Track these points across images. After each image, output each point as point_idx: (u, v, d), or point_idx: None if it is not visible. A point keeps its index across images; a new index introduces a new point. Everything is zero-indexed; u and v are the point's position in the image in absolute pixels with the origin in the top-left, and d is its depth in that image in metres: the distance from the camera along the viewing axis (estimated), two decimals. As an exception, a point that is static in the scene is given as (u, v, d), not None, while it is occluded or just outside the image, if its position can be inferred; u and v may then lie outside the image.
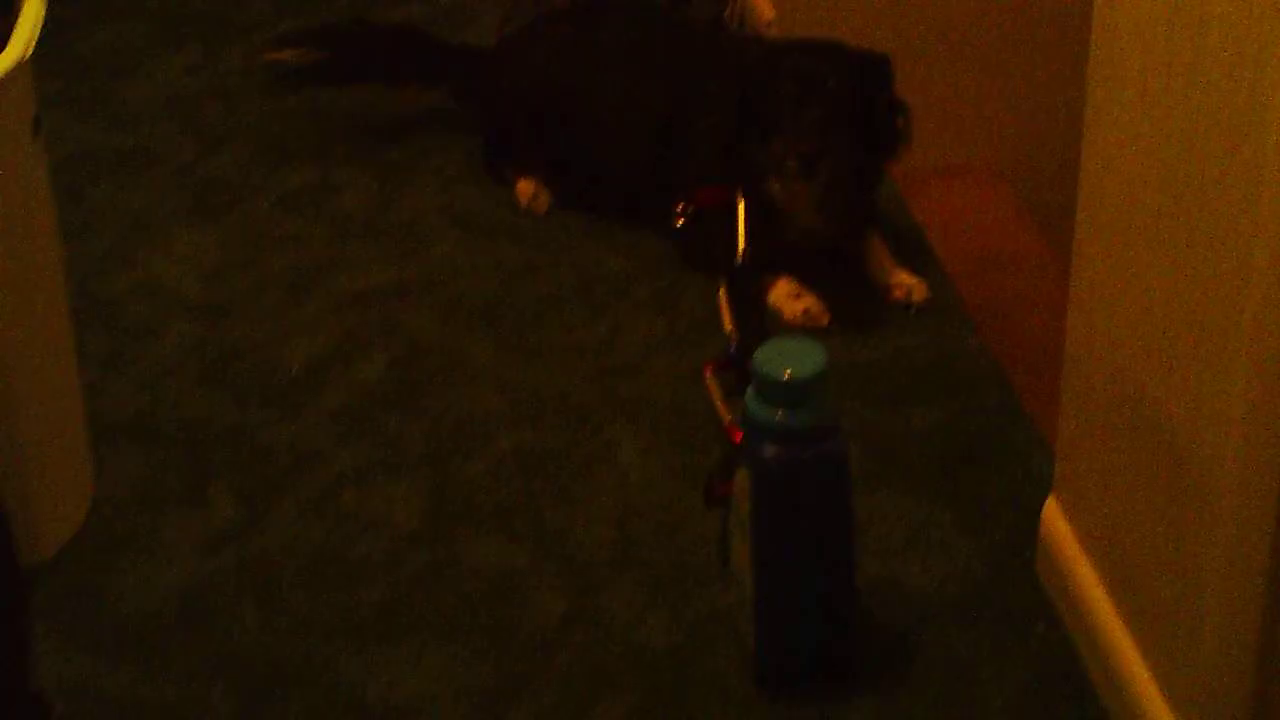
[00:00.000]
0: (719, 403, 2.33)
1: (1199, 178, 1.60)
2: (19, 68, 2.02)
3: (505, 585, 2.16)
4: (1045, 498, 2.18)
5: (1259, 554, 1.58)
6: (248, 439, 2.44)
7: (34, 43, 2.05)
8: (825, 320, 2.59)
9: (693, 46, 2.90)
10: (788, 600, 1.95)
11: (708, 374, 2.40)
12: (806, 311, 2.59)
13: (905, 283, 2.64)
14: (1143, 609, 1.86)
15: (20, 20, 2.06)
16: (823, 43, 2.64)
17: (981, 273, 2.82)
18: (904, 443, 2.36)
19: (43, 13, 2.08)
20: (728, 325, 2.46)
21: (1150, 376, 1.75)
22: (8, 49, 2.02)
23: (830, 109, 2.53)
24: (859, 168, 2.63)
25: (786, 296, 2.62)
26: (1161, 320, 1.72)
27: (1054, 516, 2.08)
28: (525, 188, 2.95)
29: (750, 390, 1.90)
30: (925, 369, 2.52)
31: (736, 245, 2.57)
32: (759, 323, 2.51)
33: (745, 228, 2.56)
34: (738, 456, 2.03)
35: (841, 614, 1.98)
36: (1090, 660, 1.97)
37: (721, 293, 2.52)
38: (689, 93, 2.77)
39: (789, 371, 1.85)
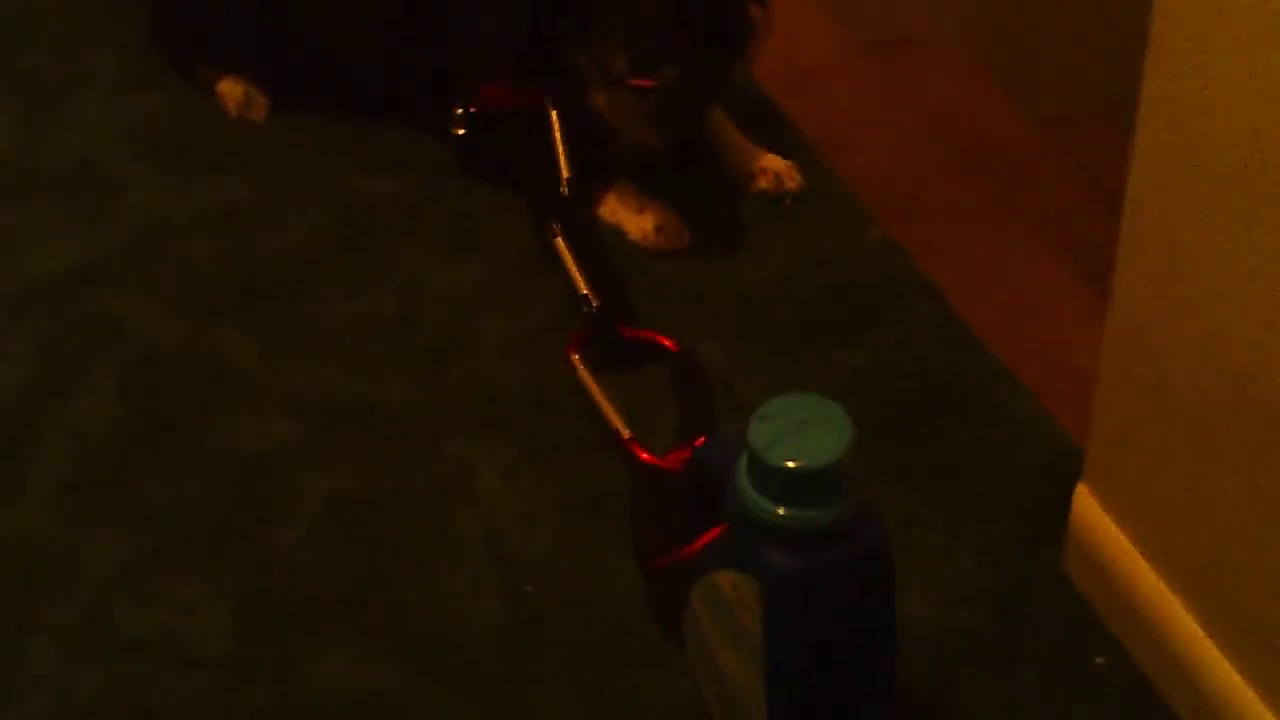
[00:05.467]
0: (605, 405, 1.77)
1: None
2: None
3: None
4: (1030, 452, 1.75)
5: None
6: (-41, 538, 1.76)
7: None
8: (685, 239, 2.01)
9: None
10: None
11: (574, 358, 1.83)
12: (660, 229, 2.01)
13: (771, 168, 2.07)
14: (1259, 639, 1.41)
15: None
16: None
17: (801, 91, 2.31)
18: (843, 399, 1.82)
19: None
20: (580, 284, 1.88)
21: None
22: None
23: None
24: (704, 70, 2.00)
25: (626, 211, 2.03)
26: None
27: (1093, 513, 1.60)
28: (230, 90, 2.24)
29: (744, 474, 1.34)
30: (834, 286, 1.98)
31: (547, 168, 1.96)
32: (609, 268, 1.92)
33: (563, 148, 1.96)
34: (685, 505, 1.51)
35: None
36: (1181, 702, 1.53)
37: (557, 239, 1.91)
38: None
39: (803, 461, 1.30)
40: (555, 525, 1.72)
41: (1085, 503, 1.62)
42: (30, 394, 1.89)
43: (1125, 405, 1.53)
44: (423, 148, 2.16)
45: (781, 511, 1.31)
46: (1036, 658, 1.58)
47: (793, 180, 2.07)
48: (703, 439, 1.70)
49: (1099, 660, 1.58)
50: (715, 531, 1.50)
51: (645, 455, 1.71)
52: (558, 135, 1.95)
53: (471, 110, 2.04)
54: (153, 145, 2.21)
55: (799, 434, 1.32)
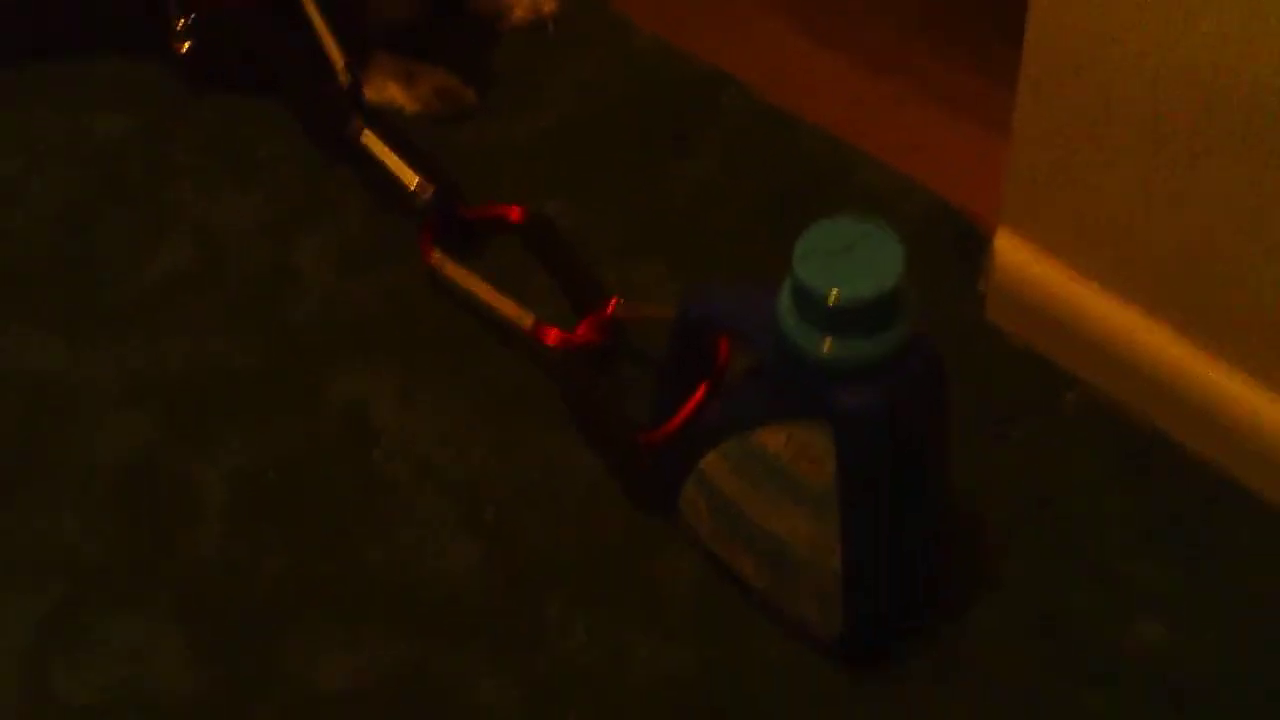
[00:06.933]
0: (494, 295, 1.63)
1: None
2: None
3: None
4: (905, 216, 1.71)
5: None
6: None
7: None
8: (471, 95, 1.86)
9: None
10: (889, 560, 1.38)
11: (434, 256, 1.68)
12: (441, 93, 1.85)
13: (524, -3, 1.94)
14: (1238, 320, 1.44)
15: None
16: None
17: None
18: (696, 209, 1.76)
19: None
20: (409, 175, 1.70)
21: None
22: None
23: None
24: None
25: (396, 85, 1.86)
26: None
27: (1021, 254, 1.58)
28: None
29: (795, 320, 1.24)
30: (634, 99, 1.87)
31: (314, 61, 1.77)
32: (415, 149, 1.74)
33: (329, 34, 1.76)
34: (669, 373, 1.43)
35: (937, 554, 1.46)
36: (1165, 411, 1.55)
37: (365, 134, 1.73)
38: None
39: (860, 289, 1.21)
40: (480, 440, 1.59)
41: (1010, 245, 1.60)
42: None
43: (1053, 134, 1.49)
44: (143, 71, 1.92)
45: (853, 346, 1.23)
46: (1008, 407, 1.57)
47: (549, 2, 1.94)
48: (614, 301, 1.60)
49: (1069, 396, 1.59)
50: (700, 395, 1.44)
51: (557, 336, 1.60)
52: (320, 22, 1.76)
53: (195, 17, 1.82)
54: None
55: (847, 261, 1.23)
